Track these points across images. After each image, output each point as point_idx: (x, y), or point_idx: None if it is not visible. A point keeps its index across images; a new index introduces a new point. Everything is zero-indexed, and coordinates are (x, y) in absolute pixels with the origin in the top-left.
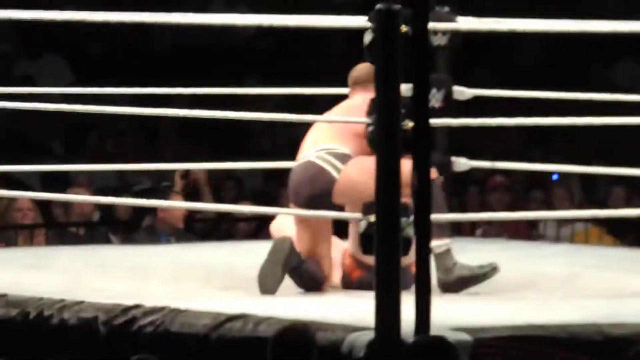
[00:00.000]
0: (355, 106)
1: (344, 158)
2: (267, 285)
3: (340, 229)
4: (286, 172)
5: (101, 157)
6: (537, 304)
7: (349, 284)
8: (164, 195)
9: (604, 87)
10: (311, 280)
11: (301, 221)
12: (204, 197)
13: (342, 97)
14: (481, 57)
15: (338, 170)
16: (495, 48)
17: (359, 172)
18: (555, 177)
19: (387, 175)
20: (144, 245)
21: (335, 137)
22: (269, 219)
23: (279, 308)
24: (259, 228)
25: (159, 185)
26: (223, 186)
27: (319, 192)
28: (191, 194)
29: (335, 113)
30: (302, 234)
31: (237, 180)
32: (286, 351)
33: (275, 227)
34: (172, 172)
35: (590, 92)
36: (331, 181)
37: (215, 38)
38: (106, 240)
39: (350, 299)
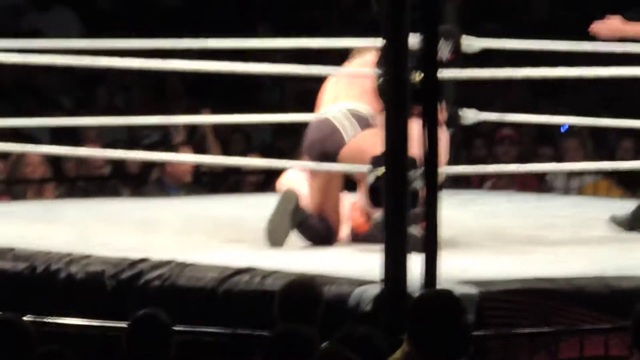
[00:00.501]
0: (369, 62)
1: (362, 120)
2: (275, 237)
3: (350, 186)
4: (294, 125)
5: (110, 111)
6: (545, 257)
7: (357, 237)
8: (173, 149)
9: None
10: (318, 235)
11: (313, 175)
12: (212, 150)
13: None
14: (491, 11)
15: (350, 134)
16: (506, 1)
17: (365, 146)
18: (563, 128)
19: (395, 127)
20: (153, 198)
21: (355, 95)
22: (276, 172)
23: (287, 261)
24: (266, 181)
25: (168, 138)
26: (231, 139)
27: (329, 151)
28: (199, 147)
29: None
30: (313, 188)
31: (245, 133)
32: (293, 305)
33: (282, 184)
34: (180, 126)
35: (600, 43)
36: (341, 144)
37: None
38: (115, 194)
39: (357, 253)
